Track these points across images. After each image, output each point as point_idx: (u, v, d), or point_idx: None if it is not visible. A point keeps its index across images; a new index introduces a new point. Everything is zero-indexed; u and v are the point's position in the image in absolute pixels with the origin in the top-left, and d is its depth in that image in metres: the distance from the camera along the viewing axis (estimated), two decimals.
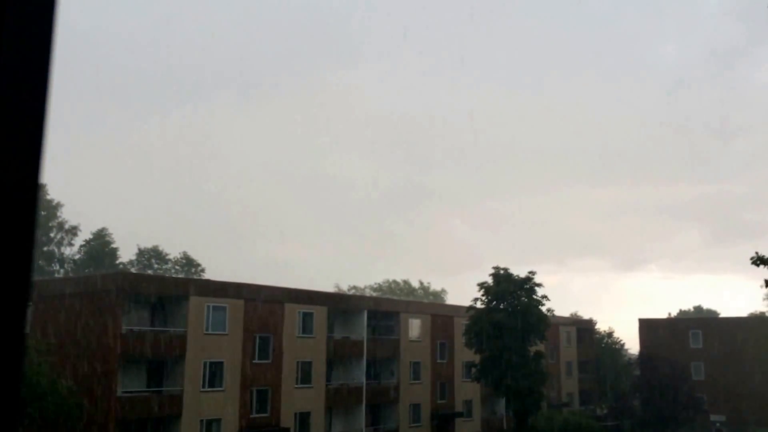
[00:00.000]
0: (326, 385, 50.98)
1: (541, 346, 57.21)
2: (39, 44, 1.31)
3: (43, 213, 66.84)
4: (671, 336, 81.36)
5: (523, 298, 54.45)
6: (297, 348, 48.84)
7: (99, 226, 74.16)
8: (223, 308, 44.90)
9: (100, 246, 72.22)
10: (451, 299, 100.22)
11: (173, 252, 78.26)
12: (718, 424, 75.11)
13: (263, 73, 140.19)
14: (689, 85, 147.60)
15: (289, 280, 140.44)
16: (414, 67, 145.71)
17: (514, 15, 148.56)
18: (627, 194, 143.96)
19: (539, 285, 55.01)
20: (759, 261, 18.12)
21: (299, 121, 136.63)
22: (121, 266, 71.50)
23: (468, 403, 62.88)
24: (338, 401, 52.24)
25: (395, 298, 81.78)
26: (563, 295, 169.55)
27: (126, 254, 76.08)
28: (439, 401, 60.10)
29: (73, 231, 71.12)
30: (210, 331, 44.18)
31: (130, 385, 41.70)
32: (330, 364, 52.12)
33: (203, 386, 43.33)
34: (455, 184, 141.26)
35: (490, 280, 55.19)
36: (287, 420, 47.54)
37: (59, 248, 71.04)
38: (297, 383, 48.64)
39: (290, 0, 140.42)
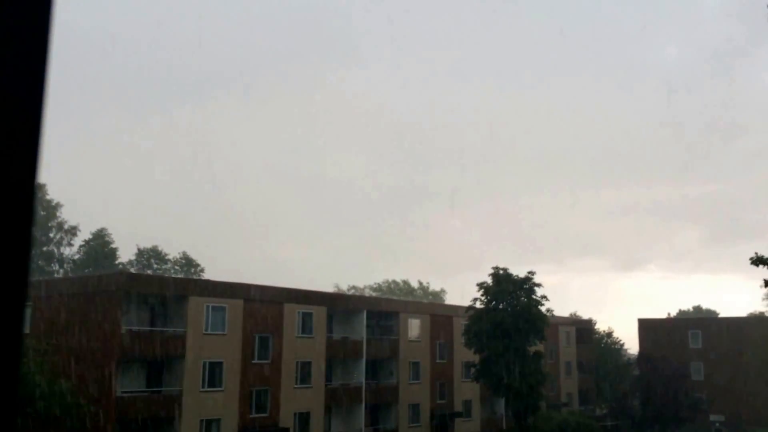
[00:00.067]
0: (326, 385, 50.98)
1: (540, 346, 57.21)
2: (36, 43, 1.30)
3: (42, 213, 66.87)
4: (670, 336, 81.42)
5: (522, 298, 54.45)
6: (296, 348, 48.85)
7: (98, 226, 74.34)
8: (222, 308, 44.90)
9: (100, 246, 72.24)
10: (451, 299, 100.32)
11: (173, 252, 78.41)
12: (717, 424, 75.22)
13: (263, 73, 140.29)
14: (689, 85, 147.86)
15: (288, 280, 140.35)
16: (414, 67, 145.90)
17: (515, 15, 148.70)
18: (627, 194, 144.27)
19: (539, 285, 55.06)
20: (758, 261, 18.14)
21: (299, 121, 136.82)
22: (120, 266, 71.50)
23: (467, 403, 62.88)
24: (338, 401, 52.24)
25: (395, 298, 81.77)
26: (563, 295, 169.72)
27: (125, 254, 76.25)
28: (438, 401, 60.10)
29: (73, 231, 71.15)
30: (209, 331, 44.17)
31: (129, 385, 41.70)
32: (329, 364, 52.12)
33: (203, 386, 43.32)
34: (455, 184, 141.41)
35: (489, 280, 55.19)
36: (287, 420, 47.55)
37: (59, 248, 71.08)
38: (296, 383, 48.64)
39: (290, 0, 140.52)
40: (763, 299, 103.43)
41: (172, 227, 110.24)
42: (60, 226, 70.47)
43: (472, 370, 56.63)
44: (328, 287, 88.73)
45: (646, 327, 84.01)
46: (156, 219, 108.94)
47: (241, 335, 45.63)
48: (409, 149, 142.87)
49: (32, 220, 1.28)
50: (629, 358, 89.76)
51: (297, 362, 48.84)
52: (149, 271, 72.54)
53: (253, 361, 46.23)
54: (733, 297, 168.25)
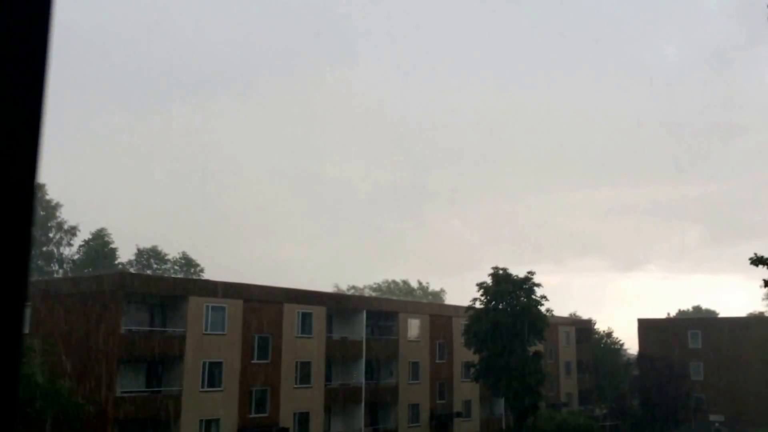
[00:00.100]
0: (325, 385, 50.99)
1: (540, 346, 57.22)
2: (36, 43, 1.30)
3: (42, 213, 66.86)
4: (670, 336, 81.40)
5: (522, 298, 54.46)
6: (296, 348, 48.85)
7: (98, 226, 74.30)
8: (222, 308, 44.91)
9: (99, 246, 72.21)
10: (450, 299, 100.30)
11: (172, 252, 78.38)
12: (717, 424, 75.19)
13: (263, 73, 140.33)
14: (689, 85, 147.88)
15: (288, 280, 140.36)
16: (414, 67, 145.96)
17: (515, 15, 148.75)
18: (627, 194, 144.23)
19: (538, 285, 55.08)
20: (758, 261, 18.14)
21: (299, 121, 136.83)
22: (120, 266, 71.48)
23: (467, 403, 62.88)
24: (337, 401, 52.27)
25: (394, 298, 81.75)
26: (563, 295, 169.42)
27: (125, 254, 76.20)
28: (438, 401, 60.10)
29: (72, 231, 71.15)
30: (209, 331, 44.18)
31: (129, 385, 41.71)
32: (329, 364, 52.13)
33: (202, 386, 43.33)
34: (455, 184, 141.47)
35: (489, 280, 55.20)
36: (286, 420, 47.55)
37: (58, 248, 71.07)
38: (296, 383, 48.65)
39: (290, 0, 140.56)
40: (763, 299, 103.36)
41: (171, 227, 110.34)
42: (60, 226, 70.46)
43: (472, 370, 56.64)
44: (327, 287, 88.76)
45: (646, 327, 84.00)
46: (156, 219, 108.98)
47: (241, 335, 45.64)
48: (408, 149, 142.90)
49: (32, 220, 1.28)
50: (629, 358, 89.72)
51: (296, 362, 48.84)
52: (149, 271, 72.52)
53: (253, 361, 46.23)
54: (733, 297, 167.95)
